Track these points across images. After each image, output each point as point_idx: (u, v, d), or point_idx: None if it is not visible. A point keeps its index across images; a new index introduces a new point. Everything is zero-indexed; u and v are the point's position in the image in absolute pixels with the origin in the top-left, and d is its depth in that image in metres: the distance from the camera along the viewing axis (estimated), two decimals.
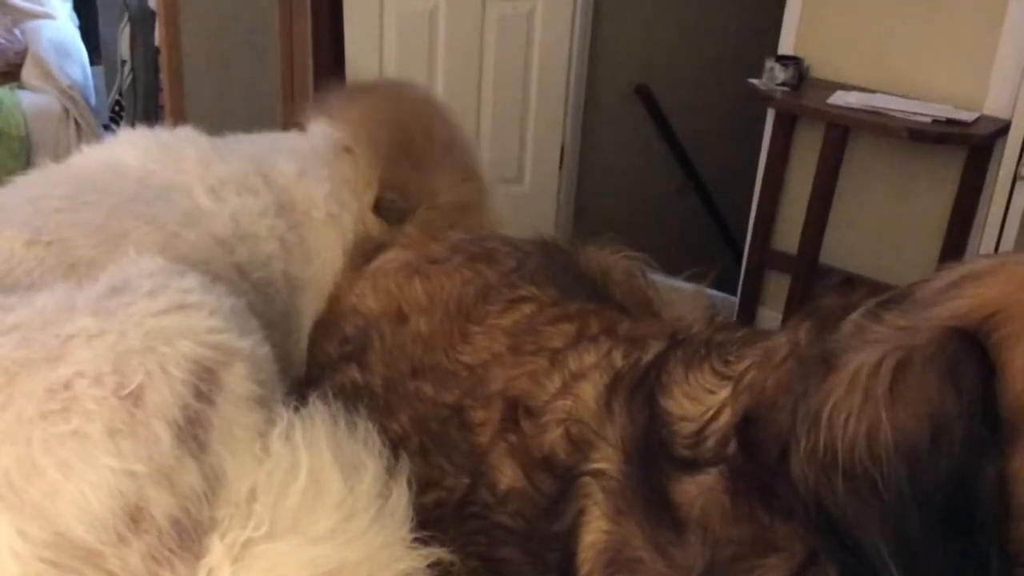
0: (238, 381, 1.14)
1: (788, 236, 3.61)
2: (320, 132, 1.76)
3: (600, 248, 1.48)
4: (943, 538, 0.71)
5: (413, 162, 1.66)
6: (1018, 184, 3.11)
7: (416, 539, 1.12)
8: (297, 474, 1.10)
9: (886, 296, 0.84)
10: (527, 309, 1.23)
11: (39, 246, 1.28)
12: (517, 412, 1.10)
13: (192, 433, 1.07)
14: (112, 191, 1.40)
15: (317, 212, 1.61)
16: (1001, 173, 3.13)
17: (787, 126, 3.57)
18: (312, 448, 1.13)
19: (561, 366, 1.11)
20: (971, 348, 0.73)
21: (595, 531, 0.97)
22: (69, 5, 4.40)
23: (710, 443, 0.89)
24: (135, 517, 1.01)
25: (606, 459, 0.99)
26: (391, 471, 1.16)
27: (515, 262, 1.35)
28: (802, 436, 0.76)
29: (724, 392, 0.92)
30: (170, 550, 1.03)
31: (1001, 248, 3.16)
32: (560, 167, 4.34)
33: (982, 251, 3.16)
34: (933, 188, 3.34)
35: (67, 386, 1.03)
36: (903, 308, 0.79)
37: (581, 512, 0.98)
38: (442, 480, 1.15)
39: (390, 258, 1.44)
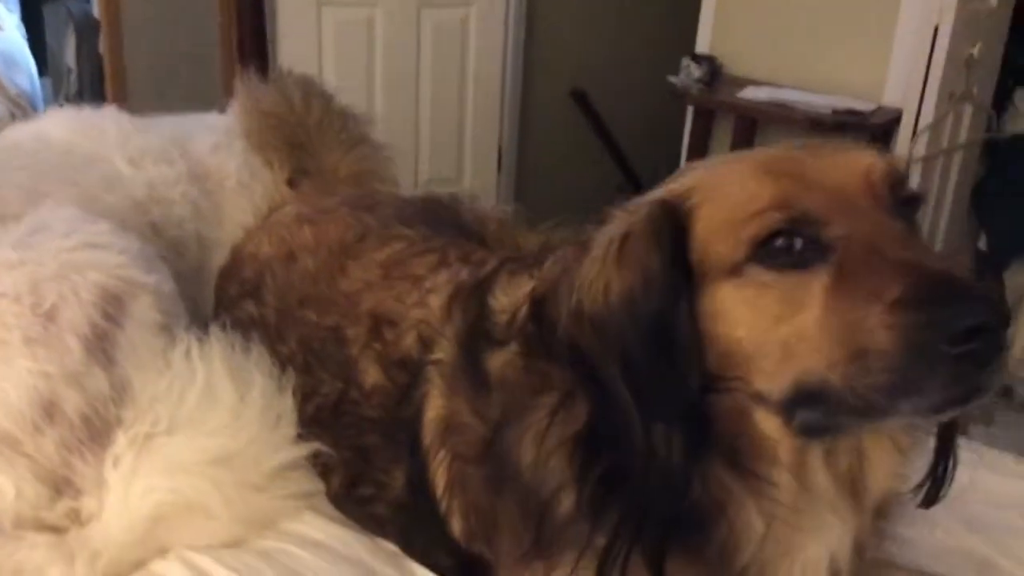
0: (143, 309, 1.33)
1: None
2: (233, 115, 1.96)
3: (478, 202, 1.68)
4: (657, 366, 0.90)
5: (297, 146, 1.85)
6: (912, 167, 3.35)
7: (299, 436, 1.32)
8: (194, 381, 1.29)
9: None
10: (399, 246, 1.42)
11: None
12: (381, 325, 1.29)
13: (100, 347, 1.26)
14: (39, 158, 1.58)
15: (229, 181, 1.80)
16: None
17: (705, 120, 3.80)
18: (208, 363, 1.32)
19: (419, 286, 1.31)
20: (670, 215, 0.94)
21: (434, 408, 1.17)
22: (17, 17, 4.57)
23: (517, 325, 1.08)
24: (49, 411, 1.20)
25: (443, 350, 1.19)
26: (279, 384, 1.35)
27: (393, 209, 1.54)
28: (565, 301, 0.96)
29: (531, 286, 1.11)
30: (80, 441, 1.21)
31: None
32: (499, 169, 4.52)
33: None
34: None
35: None
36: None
37: (424, 395, 1.18)
38: (321, 388, 1.34)
39: (286, 211, 1.64)
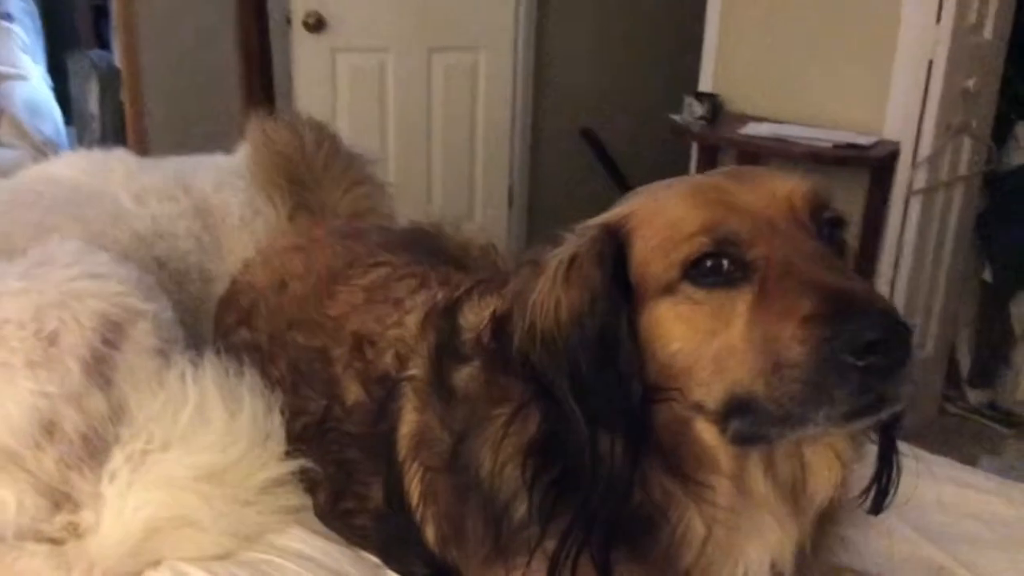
0: (142, 335, 1.42)
1: None
2: (243, 152, 2.06)
3: (461, 230, 1.76)
4: (602, 377, 0.97)
5: (299, 183, 1.94)
6: (912, 199, 3.40)
7: (286, 453, 1.39)
8: (187, 402, 1.37)
9: None
10: (383, 271, 1.50)
11: None
12: (363, 344, 1.37)
13: (99, 370, 1.35)
14: (48, 196, 1.69)
15: (232, 218, 1.90)
16: (896, 190, 3.41)
17: (710, 156, 3.86)
18: (201, 385, 1.40)
19: (399, 307, 1.39)
20: (611, 238, 1.01)
21: (408, 422, 1.24)
22: (43, 67, 4.75)
23: (481, 341, 1.15)
24: (49, 429, 1.29)
25: (417, 367, 1.26)
26: (269, 404, 1.42)
27: (379, 238, 1.63)
28: (520, 319, 1.03)
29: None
30: (79, 458, 1.30)
31: (902, 255, 3.45)
32: (510, 206, 4.59)
33: (884, 257, 3.42)
34: (843, 206, 3.60)
35: None
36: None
37: (399, 410, 1.25)
38: (307, 407, 1.41)
39: (280, 242, 1.73)
